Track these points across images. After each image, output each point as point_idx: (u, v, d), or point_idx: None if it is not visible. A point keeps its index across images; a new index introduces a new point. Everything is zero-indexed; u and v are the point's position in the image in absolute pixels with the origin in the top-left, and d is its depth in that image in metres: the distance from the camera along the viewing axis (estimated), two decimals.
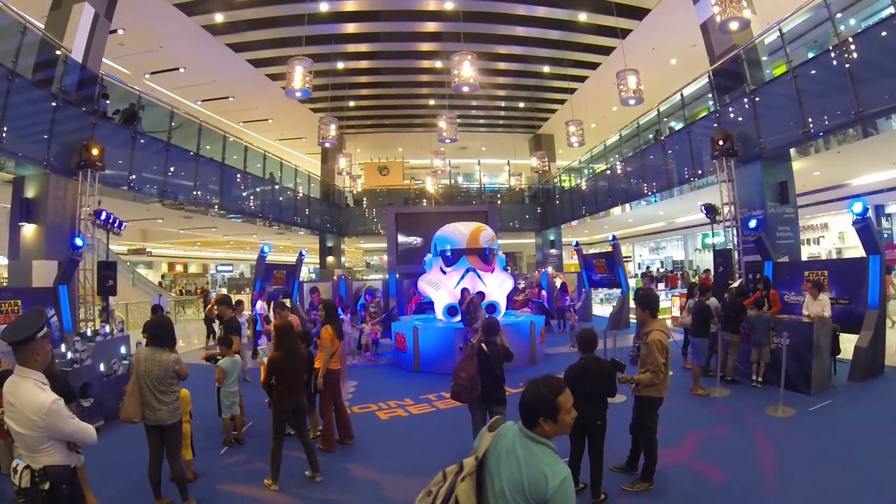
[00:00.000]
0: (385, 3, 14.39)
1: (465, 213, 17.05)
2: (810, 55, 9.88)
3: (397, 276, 16.48)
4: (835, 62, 8.76)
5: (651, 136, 16.30)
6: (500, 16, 14.90)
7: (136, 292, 20.66)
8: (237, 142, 16.93)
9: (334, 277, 19.15)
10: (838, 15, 9.55)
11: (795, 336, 7.14)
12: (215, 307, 9.38)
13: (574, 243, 17.94)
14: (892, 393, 7.29)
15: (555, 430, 2.10)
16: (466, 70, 10.32)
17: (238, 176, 16.32)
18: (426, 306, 13.34)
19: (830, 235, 17.44)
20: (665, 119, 15.71)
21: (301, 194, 21.05)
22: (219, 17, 13.89)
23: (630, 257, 30.76)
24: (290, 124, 22.77)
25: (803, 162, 11.71)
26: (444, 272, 11.37)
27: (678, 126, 14.72)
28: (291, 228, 21.32)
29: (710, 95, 12.77)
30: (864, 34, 8.48)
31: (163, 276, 33.19)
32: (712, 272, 12.28)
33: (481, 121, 25.19)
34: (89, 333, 8.45)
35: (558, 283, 16.14)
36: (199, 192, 14.26)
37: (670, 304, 15.39)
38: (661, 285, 20.45)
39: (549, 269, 19.24)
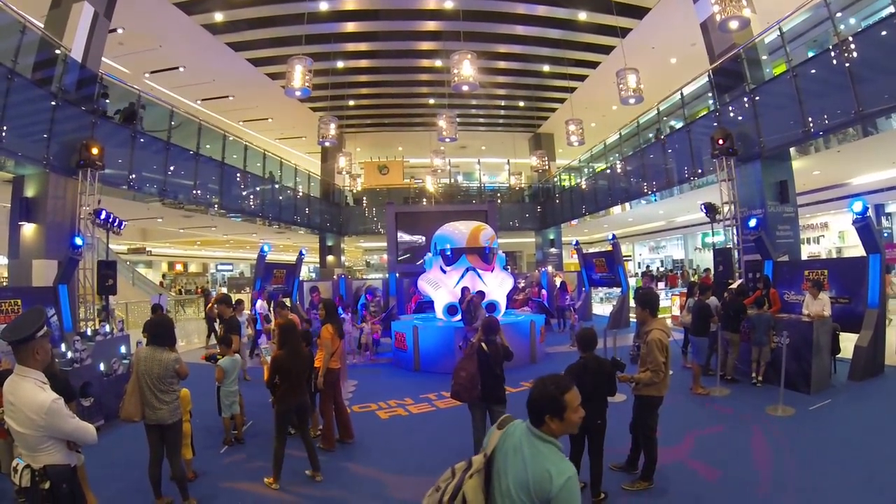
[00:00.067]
0: (385, 1, 14.36)
1: (465, 212, 17.08)
2: (810, 54, 9.88)
3: (397, 275, 16.48)
4: (835, 61, 8.75)
5: (651, 135, 16.30)
6: (500, 15, 14.88)
7: (137, 291, 20.66)
8: (237, 141, 16.94)
9: (334, 277, 19.16)
10: (838, 14, 9.52)
11: (795, 335, 7.15)
12: (215, 306, 9.39)
13: (574, 242, 17.95)
14: (892, 392, 7.29)
15: (561, 428, 2.10)
16: (466, 69, 10.32)
17: (238, 175, 16.32)
18: (426, 305, 13.34)
19: (830, 234, 17.43)
20: (665, 118, 15.71)
21: (301, 193, 21.05)
22: (218, 16, 13.86)
23: (630, 256, 30.74)
24: (289, 123, 22.75)
25: (803, 161, 11.70)
26: (444, 271, 11.38)
27: (678, 125, 14.72)
28: (291, 228, 21.32)
29: (709, 94, 12.76)
30: (863, 33, 8.48)
31: (164, 276, 33.18)
32: (712, 271, 12.29)
33: (481, 120, 25.16)
34: (89, 333, 8.45)
35: (558, 282, 16.14)
36: (198, 192, 14.27)
37: (670, 303, 15.39)
38: (660, 284, 20.44)
39: (549, 269, 19.23)
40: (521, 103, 22.62)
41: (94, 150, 9.70)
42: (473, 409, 4.92)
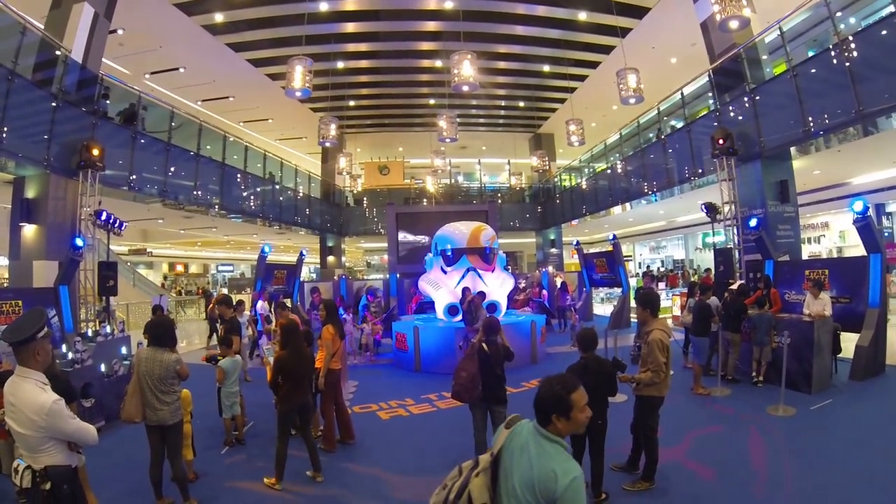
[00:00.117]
0: (385, 2, 14.36)
1: (465, 212, 17.06)
2: (810, 54, 9.88)
3: (398, 275, 16.47)
4: (835, 61, 8.75)
5: (652, 135, 16.30)
6: (500, 15, 14.88)
7: (137, 292, 20.67)
8: (237, 142, 16.95)
9: (335, 277, 19.16)
10: (838, 13, 9.53)
11: (796, 335, 7.14)
12: (216, 307, 9.39)
13: (574, 242, 17.95)
14: (893, 392, 7.28)
15: (568, 427, 2.11)
16: (466, 69, 10.32)
17: (238, 176, 16.33)
18: (427, 306, 13.34)
19: (831, 234, 17.41)
20: (665, 118, 15.70)
21: (301, 194, 21.07)
22: (219, 17, 13.87)
23: (630, 256, 30.73)
24: (290, 124, 22.75)
25: (804, 161, 11.70)
26: (445, 272, 11.37)
27: (679, 125, 14.72)
28: (292, 228, 21.34)
29: (710, 94, 12.76)
30: (864, 33, 8.47)
31: (165, 277, 33.21)
32: (713, 271, 12.28)
33: (481, 120, 25.16)
34: (90, 334, 8.46)
35: (559, 282, 16.13)
36: (199, 192, 14.27)
37: (671, 303, 15.39)
38: (661, 284, 20.44)
39: (550, 269, 19.22)
40: (522, 103, 22.62)
41: (95, 151, 9.70)
42: (474, 410, 4.92)
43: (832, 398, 6.92)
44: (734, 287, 9.12)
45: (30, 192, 9.76)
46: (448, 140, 13.68)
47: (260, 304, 11.44)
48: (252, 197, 17.48)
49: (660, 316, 4.90)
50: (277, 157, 19.77)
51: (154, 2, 12.51)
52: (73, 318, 9.19)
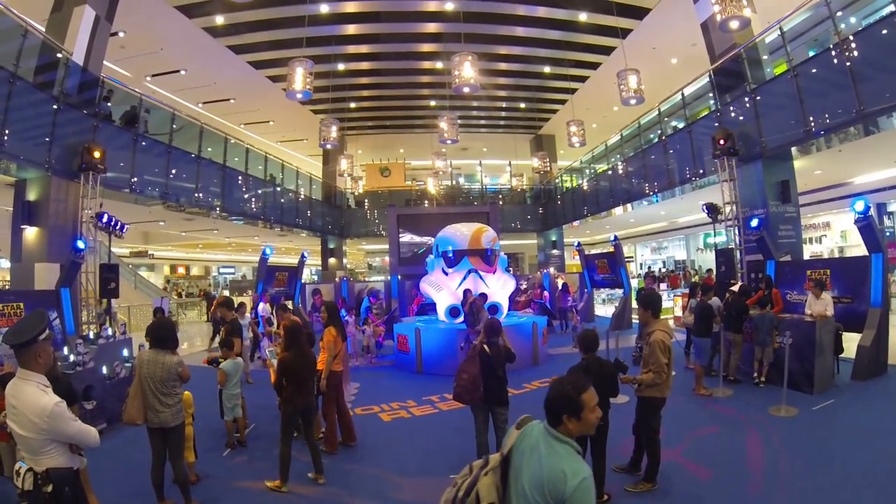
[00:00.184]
0: (385, 4, 14.40)
1: (466, 213, 17.07)
2: (811, 54, 9.87)
3: (399, 277, 16.47)
4: (835, 60, 8.75)
5: (653, 136, 16.29)
6: (501, 16, 14.90)
7: (139, 295, 20.68)
8: (238, 144, 16.97)
9: (336, 279, 19.18)
10: (838, 13, 9.52)
11: (798, 335, 7.11)
12: (217, 309, 9.39)
13: (576, 244, 17.94)
14: (895, 392, 7.26)
15: (579, 427, 2.11)
16: (467, 71, 10.32)
17: (239, 178, 16.37)
18: (428, 307, 13.33)
19: (832, 234, 17.37)
20: (666, 119, 15.70)
21: (303, 196, 21.09)
22: (219, 19, 13.91)
23: (632, 257, 30.68)
24: (291, 126, 22.79)
25: (805, 161, 11.69)
26: (447, 273, 11.36)
27: (680, 125, 14.71)
28: (293, 230, 21.36)
29: (710, 94, 12.76)
30: (864, 32, 8.48)
31: (168, 281, 33.21)
32: (714, 272, 12.27)
33: (482, 121, 25.19)
34: (92, 336, 8.46)
35: (560, 283, 16.12)
36: (200, 195, 14.30)
37: (672, 303, 15.36)
38: (662, 285, 20.41)
39: (551, 270, 19.22)
40: (522, 105, 22.65)
41: (96, 154, 9.73)
42: (476, 411, 4.91)
43: (834, 398, 6.90)
44: (735, 287, 9.10)
45: (31, 195, 9.78)
46: (449, 141, 13.67)
47: (261, 306, 11.44)
48: (253, 199, 17.51)
49: (661, 317, 4.89)
50: (278, 160, 19.79)
51: (155, 4, 12.54)
52: (74, 321, 9.19)
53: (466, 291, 10.25)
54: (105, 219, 10.10)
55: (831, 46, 8.87)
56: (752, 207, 10.92)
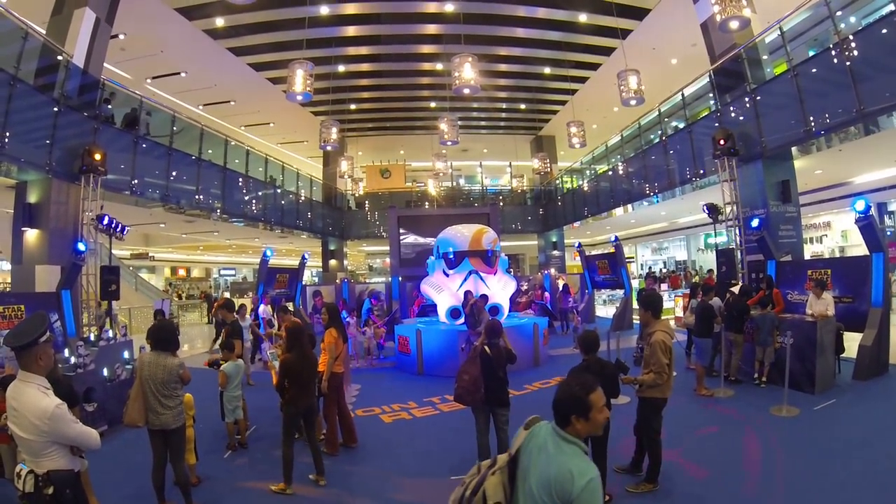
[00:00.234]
0: (386, 5, 14.42)
1: (467, 215, 17.05)
2: (811, 53, 9.87)
3: (400, 278, 16.47)
4: (835, 60, 8.75)
5: (654, 136, 16.29)
6: (501, 18, 14.92)
7: (140, 297, 20.71)
8: (239, 146, 16.98)
9: (337, 281, 19.18)
10: (838, 13, 9.52)
11: (799, 335, 7.11)
12: (218, 311, 9.39)
13: (576, 244, 17.94)
14: None
15: (587, 428, 2.11)
16: (467, 72, 10.32)
17: (240, 180, 16.38)
18: (429, 309, 13.33)
19: (833, 234, 17.36)
20: (667, 119, 15.70)
21: (303, 198, 21.10)
22: (220, 21, 13.93)
23: (633, 258, 30.65)
24: (291, 128, 22.81)
25: (805, 160, 11.68)
26: (447, 275, 11.36)
27: (680, 126, 14.71)
28: (294, 232, 21.37)
29: (710, 95, 12.76)
30: (864, 32, 8.48)
31: (170, 284, 33.23)
32: (715, 272, 12.26)
33: (483, 123, 25.21)
34: (92, 338, 8.46)
35: (561, 284, 16.12)
36: (201, 197, 14.32)
37: (673, 304, 15.35)
38: (663, 285, 20.40)
39: (552, 271, 19.21)
40: (523, 106, 22.66)
41: (97, 156, 9.74)
42: (477, 413, 4.91)
43: (836, 398, 6.89)
44: (735, 288, 9.09)
45: (32, 197, 9.79)
46: (449, 143, 13.67)
47: (262, 307, 11.45)
48: (254, 201, 17.52)
49: (662, 317, 4.88)
50: (279, 161, 19.81)
51: (155, 7, 12.57)
52: (75, 323, 9.19)
53: (467, 293, 10.24)
54: (106, 221, 10.11)
55: (831, 46, 8.87)
56: (752, 207, 10.91)
